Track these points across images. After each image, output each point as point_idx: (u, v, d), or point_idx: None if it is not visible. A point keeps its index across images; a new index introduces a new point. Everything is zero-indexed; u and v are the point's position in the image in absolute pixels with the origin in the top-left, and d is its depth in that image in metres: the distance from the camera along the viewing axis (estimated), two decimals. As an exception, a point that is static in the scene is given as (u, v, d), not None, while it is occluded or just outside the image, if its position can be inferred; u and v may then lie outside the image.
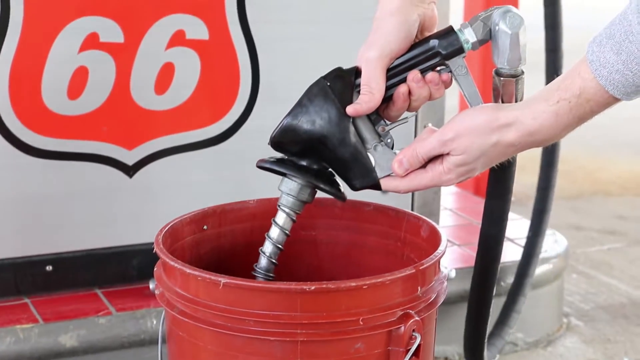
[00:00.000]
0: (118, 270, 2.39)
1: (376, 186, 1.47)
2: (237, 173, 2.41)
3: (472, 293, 1.74)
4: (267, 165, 1.50)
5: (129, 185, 2.34)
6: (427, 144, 1.42)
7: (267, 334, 1.32)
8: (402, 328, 1.36)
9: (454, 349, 2.64)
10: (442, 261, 1.47)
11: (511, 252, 2.78)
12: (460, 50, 1.45)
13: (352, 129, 1.45)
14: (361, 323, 1.33)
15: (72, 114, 2.26)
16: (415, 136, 2.46)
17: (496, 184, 1.62)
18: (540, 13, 2.48)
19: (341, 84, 1.46)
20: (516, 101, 1.45)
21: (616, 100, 1.32)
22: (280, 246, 1.52)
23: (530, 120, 1.37)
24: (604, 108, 1.34)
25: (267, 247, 1.52)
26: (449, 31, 1.45)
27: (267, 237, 1.52)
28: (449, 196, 3.33)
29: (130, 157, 2.33)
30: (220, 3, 2.32)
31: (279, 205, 1.52)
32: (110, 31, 2.25)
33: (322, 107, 1.46)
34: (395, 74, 1.46)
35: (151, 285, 1.49)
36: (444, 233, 1.51)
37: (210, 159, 2.39)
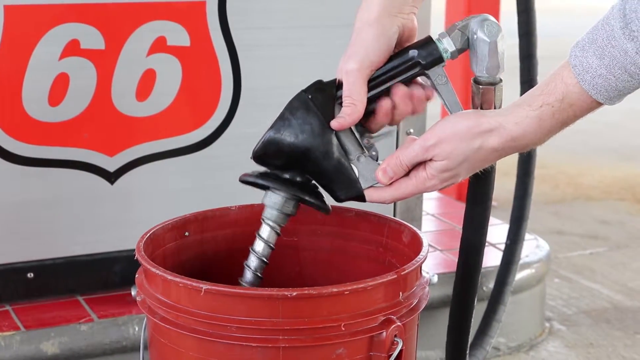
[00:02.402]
0: (100, 277, 2.39)
1: (360, 197, 1.47)
2: (219, 179, 2.41)
3: (453, 301, 1.74)
4: (251, 180, 1.50)
5: (110, 191, 2.34)
6: (410, 151, 1.42)
7: (249, 340, 1.32)
8: (384, 333, 1.36)
9: (437, 354, 2.64)
10: (424, 266, 1.47)
11: (492, 257, 2.79)
12: (439, 60, 1.45)
13: (335, 141, 1.45)
14: (343, 329, 1.33)
15: (53, 121, 2.25)
16: (397, 144, 2.47)
17: (476, 191, 1.62)
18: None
19: (322, 96, 1.46)
20: (495, 108, 1.45)
21: (599, 104, 1.33)
22: (265, 260, 1.52)
23: (513, 126, 1.37)
24: (587, 112, 1.35)
25: (252, 261, 1.52)
26: (428, 41, 1.45)
27: (251, 250, 1.52)
28: (431, 201, 3.34)
29: (111, 163, 2.32)
30: (201, 9, 2.32)
31: (263, 219, 1.51)
32: (91, 38, 2.24)
33: (304, 120, 1.45)
34: (376, 85, 1.46)
35: (133, 292, 1.48)
36: (426, 238, 1.51)
37: (191, 166, 2.39)
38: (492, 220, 3.12)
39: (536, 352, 2.78)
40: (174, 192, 2.39)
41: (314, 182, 1.49)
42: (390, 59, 1.46)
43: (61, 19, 2.21)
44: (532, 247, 2.88)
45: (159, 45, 2.30)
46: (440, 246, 2.85)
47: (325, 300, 1.33)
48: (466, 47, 1.45)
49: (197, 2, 2.32)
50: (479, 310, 2.68)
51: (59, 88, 2.24)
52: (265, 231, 1.51)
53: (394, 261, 1.58)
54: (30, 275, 2.32)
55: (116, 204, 2.35)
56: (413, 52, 1.45)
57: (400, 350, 1.37)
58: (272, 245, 1.52)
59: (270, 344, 1.32)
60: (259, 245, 1.52)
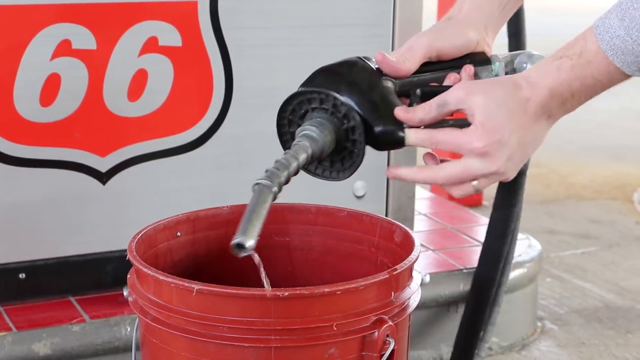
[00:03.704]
0: (92, 278, 2.38)
1: (397, 134, 1.40)
2: (211, 179, 2.41)
3: (467, 308, 1.73)
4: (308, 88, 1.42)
5: (102, 192, 2.34)
6: (441, 96, 1.39)
7: (241, 340, 1.32)
8: (376, 333, 1.36)
9: (429, 354, 2.64)
10: (416, 266, 1.47)
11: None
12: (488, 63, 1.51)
13: (381, 84, 1.43)
14: (335, 328, 1.33)
15: (44, 121, 2.25)
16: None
17: (502, 194, 1.58)
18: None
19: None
20: None
21: (618, 71, 1.30)
22: (289, 177, 1.37)
23: (534, 74, 1.36)
24: (607, 79, 1.32)
25: (281, 168, 1.35)
26: (486, 59, 1.51)
27: (282, 160, 1.36)
28: (423, 201, 3.34)
29: (103, 164, 2.32)
30: (193, 10, 2.32)
31: (298, 141, 1.39)
32: (83, 38, 2.24)
33: (354, 63, 1.45)
34: (429, 70, 1.48)
35: (125, 292, 1.48)
36: (418, 238, 1.51)
37: (183, 166, 2.39)
38: (484, 219, 3.14)
39: (528, 352, 2.78)
40: (165, 192, 2.39)
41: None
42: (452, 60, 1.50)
43: (53, 19, 2.21)
44: (524, 247, 2.88)
45: (151, 46, 2.30)
46: (432, 246, 2.86)
47: (318, 300, 1.33)
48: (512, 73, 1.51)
49: (189, 2, 2.32)
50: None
51: (51, 88, 2.24)
52: (301, 152, 1.37)
53: (386, 261, 1.58)
54: (22, 275, 2.31)
55: (108, 205, 2.35)
56: (468, 60, 1.50)
57: (392, 350, 1.37)
58: (298, 171, 1.38)
59: (262, 344, 1.32)
60: (292, 162, 1.36)
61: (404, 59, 1.46)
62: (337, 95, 1.40)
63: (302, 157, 1.36)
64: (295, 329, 1.32)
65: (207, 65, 2.36)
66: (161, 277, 1.36)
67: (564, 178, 4.62)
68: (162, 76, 2.33)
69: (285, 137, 1.45)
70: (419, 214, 3.14)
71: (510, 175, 1.39)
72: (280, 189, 1.34)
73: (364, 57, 1.47)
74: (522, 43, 2.47)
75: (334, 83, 1.41)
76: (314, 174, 1.46)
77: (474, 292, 1.72)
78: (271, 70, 2.42)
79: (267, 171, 1.34)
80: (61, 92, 2.25)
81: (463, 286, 2.64)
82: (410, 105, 1.44)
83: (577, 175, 4.66)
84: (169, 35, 2.31)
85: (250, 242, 1.28)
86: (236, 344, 1.32)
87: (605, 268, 3.43)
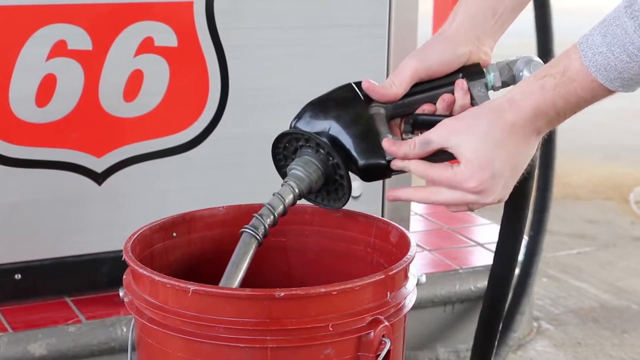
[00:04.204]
0: (88, 278, 2.38)
1: (381, 166, 1.46)
2: (207, 180, 2.41)
3: (485, 301, 1.75)
4: (292, 130, 1.51)
5: (98, 192, 2.33)
6: (425, 134, 1.42)
7: (236, 341, 1.32)
8: (372, 333, 1.36)
9: (425, 354, 2.64)
10: (412, 266, 1.47)
11: (481, 257, 2.80)
12: (482, 77, 1.53)
13: (368, 113, 1.48)
14: (331, 329, 1.33)
15: (40, 122, 2.25)
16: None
17: (513, 198, 1.59)
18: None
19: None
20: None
21: (602, 87, 1.31)
22: (276, 219, 1.50)
23: (519, 95, 1.37)
24: (591, 95, 1.33)
25: (266, 214, 1.49)
26: (479, 71, 1.52)
27: (268, 207, 1.49)
28: (419, 202, 3.33)
29: (99, 164, 2.32)
30: (188, 10, 2.32)
31: (286, 182, 1.50)
32: (79, 38, 2.24)
33: (343, 93, 1.51)
34: (420, 90, 1.50)
35: (121, 293, 1.48)
36: (414, 238, 1.51)
37: (179, 166, 2.38)
38: (481, 220, 3.15)
39: (524, 352, 2.78)
40: (161, 192, 2.39)
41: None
42: (445, 76, 1.51)
43: (48, 19, 2.21)
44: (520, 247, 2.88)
45: (147, 46, 2.30)
46: (428, 246, 2.86)
47: (313, 300, 1.33)
48: (511, 82, 1.52)
49: (185, 3, 2.32)
50: (467, 310, 2.68)
51: (46, 89, 2.24)
52: (287, 193, 1.50)
53: (382, 261, 1.58)
54: (17, 276, 2.31)
55: (104, 205, 2.35)
56: (461, 75, 1.51)
57: (388, 351, 1.37)
58: (286, 210, 1.50)
59: (258, 345, 1.32)
60: (278, 205, 1.49)
61: (391, 84, 1.49)
62: (317, 137, 1.48)
63: (289, 197, 1.49)
64: (291, 330, 1.32)
65: (202, 66, 2.36)
66: (157, 278, 1.36)
67: (560, 178, 4.62)
68: (158, 77, 2.33)
69: (283, 171, 1.55)
70: (414, 214, 3.15)
71: (506, 196, 1.42)
72: (266, 233, 1.48)
73: (357, 83, 1.51)
74: (550, 38, 2.47)
75: (320, 120, 1.49)
76: (315, 202, 1.57)
77: (489, 290, 1.76)
78: (267, 71, 2.42)
79: (254, 217, 1.48)
80: (57, 92, 2.24)
81: (459, 286, 2.64)
82: (402, 132, 1.48)
83: (573, 175, 4.67)
84: (165, 35, 2.31)
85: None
86: (232, 344, 1.32)
87: (601, 268, 3.43)
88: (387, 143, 1.45)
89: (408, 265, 1.44)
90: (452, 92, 1.51)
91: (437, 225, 3.09)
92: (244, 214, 1.57)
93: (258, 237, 1.47)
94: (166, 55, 2.32)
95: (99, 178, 2.33)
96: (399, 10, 2.52)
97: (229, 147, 2.42)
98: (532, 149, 1.40)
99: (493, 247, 2.73)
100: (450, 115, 1.50)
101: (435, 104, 1.51)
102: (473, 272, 2.69)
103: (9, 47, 2.20)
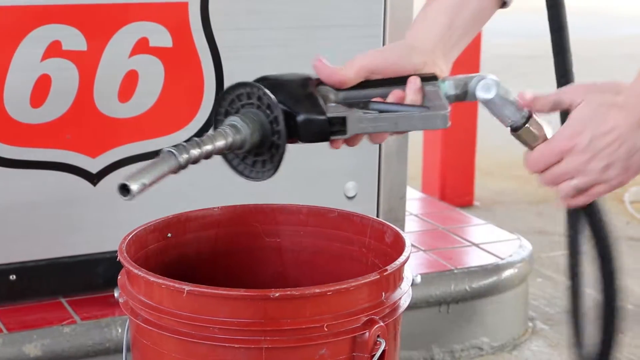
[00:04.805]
0: (83, 279, 2.38)
1: (320, 122, 1.43)
2: (201, 181, 2.40)
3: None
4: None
5: (93, 193, 2.33)
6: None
7: (231, 342, 1.32)
8: (367, 334, 1.36)
9: (420, 354, 2.64)
10: (406, 267, 1.48)
11: (476, 258, 2.80)
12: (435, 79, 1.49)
13: (317, 90, 1.46)
14: (326, 329, 1.33)
15: (35, 122, 2.25)
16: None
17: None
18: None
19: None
20: (540, 141, 1.44)
21: None
22: (201, 155, 1.45)
23: (625, 84, 1.39)
24: None
25: (192, 144, 1.43)
26: (433, 77, 1.49)
27: (195, 139, 1.44)
28: (414, 202, 3.34)
29: (94, 165, 2.32)
30: (183, 11, 2.32)
31: (221, 127, 1.45)
32: (73, 39, 2.24)
33: (299, 74, 1.49)
34: (372, 85, 1.47)
35: (116, 294, 1.48)
36: (409, 239, 1.51)
37: (174, 167, 2.38)
38: (476, 220, 3.15)
39: (519, 352, 2.78)
40: (156, 193, 2.38)
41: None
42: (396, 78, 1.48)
43: (43, 20, 2.21)
44: (515, 247, 2.88)
45: (141, 46, 2.30)
46: (423, 247, 2.86)
47: (308, 300, 1.33)
48: (463, 98, 1.49)
49: (180, 3, 2.32)
50: (462, 310, 2.68)
51: (41, 89, 2.23)
52: (219, 137, 1.44)
53: (377, 261, 1.58)
54: (12, 277, 2.31)
55: (99, 206, 2.35)
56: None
57: (383, 351, 1.37)
58: (213, 152, 1.44)
59: (253, 345, 1.32)
60: (207, 143, 1.44)
61: (341, 68, 1.46)
62: (261, 86, 1.45)
63: (220, 142, 1.42)
64: (286, 330, 1.32)
65: (197, 66, 2.36)
66: (152, 278, 1.36)
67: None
68: (152, 77, 2.33)
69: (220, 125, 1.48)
70: (410, 215, 3.14)
71: (620, 180, 1.42)
72: (186, 163, 1.41)
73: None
74: (566, 38, 2.46)
75: (267, 83, 1.48)
76: (236, 170, 1.49)
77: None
78: (262, 71, 2.40)
79: (177, 144, 1.40)
80: (52, 93, 2.24)
81: (454, 286, 2.64)
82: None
83: (568, 175, 4.66)
84: (160, 36, 2.31)
85: (134, 186, 1.31)
86: (227, 344, 1.32)
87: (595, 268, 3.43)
88: (522, 94, 1.44)
89: (403, 265, 1.45)
90: (404, 90, 1.47)
91: (432, 225, 3.09)
92: (239, 214, 1.57)
93: (178, 157, 1.41)
94: (161, 56, 2.32)
95: (94, 178, 2.33)
96: (394, 10, 2.53)
97: (224, 147, 2.41)
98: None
99: (488, 247, 2.75)
100: None
101: (385, 100, 1.48)
102: (468, 273, 2.69)
103: (4, 48, 2.19)
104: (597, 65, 6.34)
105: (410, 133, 1.64)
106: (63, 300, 2.37)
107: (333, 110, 1.43)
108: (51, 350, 2.21)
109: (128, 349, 1.52)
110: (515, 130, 1.45)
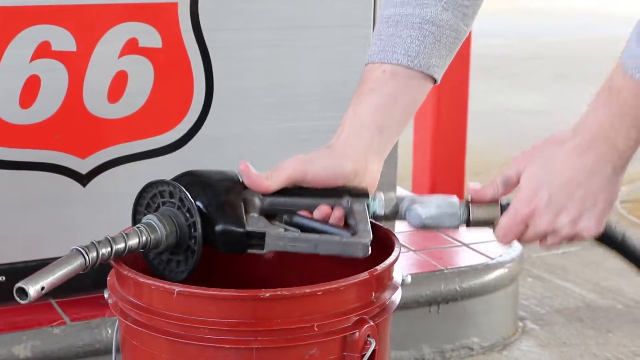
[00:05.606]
0: (72, 280, 2.35)
1: (238, 234, 1.41)
2: (192, 181, 2.40)
3: None
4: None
5: (82, 194, 2.33)
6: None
7: (222, 342, 1.32)
8: (357, 333, 1.36)
9: (410, 354, 2.64)
10: (396, 267, 1.48)
11: (467, 257, 2.80)
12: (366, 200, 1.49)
13: (241, 194, 1.44)
14: (316, 329, 1.33)
15: (24, 123, 2.24)
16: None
17: None
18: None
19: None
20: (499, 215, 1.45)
21: None
22: (111, 254, 1.40)
23: (574, 123, 1.37)
24: None
25: (104, 243, 1.39)
26: (365, 194, 1.48)
27: (108, 237, 1.40)
28: (404, 202, 3.34)
29: (83, 165, 2.32)
30: (173, 11, 2.32)
31: (136, 226, 1.42)
32: (63, 39, 2.23)
33: (225, 174, 1.49)
34: (301, 194, 1.46)
35: (105, 295, 1.48)
36: (398, 239, 1.51)
37: (164, 167, 2.38)
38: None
39: (509, 352, 2.79)
40: (146, 194, 2.38)
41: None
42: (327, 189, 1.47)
43: (32, 20, 2.20)
44: (505, 247, 2.89)
45: (131, 47, 2.30)
46: (413, 247, 2.86)
47: (298, 300, 1.33)
48: (393, 218, 1.53)
49: (169, 4, 2.31)
50: (452, 310, 2.69)
51: (30, 90, 2.23)
52: (133, 235, 1.40)
53: (367, 261, 1.58)
54: (1, 278, 2.30)
55: (88, 206, 2.34)
56: (346, 196, 1.47)
57: (374, 350, 1.37)
58: (125, 251, 1.40)
59: (243, 345, 1.32)
60: (119, 242, 1.39)
61: (267, 176, 1.44)
62: (183, 189, 1.43)
63: (133, 240, 1.39)
64: (276, 330, 1.32)
65: (187, 67, 2.35)
66: (141, 279, 1.36)
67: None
68: (142, 78, 2.32)
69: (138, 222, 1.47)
70: (400, 215, 3.14)
71: (576, 231, 1.43)
72: (94, 262, 1.38)
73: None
74: None
75: (192, 183, 1.46)
76: (150, 264, 1.47)
77: None
78: (252, 72, 2.42)
79: (91, 241, 1.39)
80: (41, 94, 2.24)
81: (444, 286, 2.64)
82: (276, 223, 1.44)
83: (558, 175, 4.67)
84: (149, 36, 2.31)
85: (32, 290, 1.36)
86: (217, 345, 1.32)
87: (586, 268, 3.44)
88: (473, 189, 1.46)
89: (393, 265, 1.45)
90: (332, 206, 1.46)
91: (422, 225, 3.09)
92: (229, 214, 1.56)
93: (85, 256, 1.38)
94: (151, 56, 2.32)
95: (83, 179, 2.32)
96: (383, 10, 2.52)
97: (213, 148, 2.41)
98: (601, 182, 1.38)
99: (478, 247, 2.75)
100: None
101: (312, 212, 1.46)
102: (458, 273, 2.69)
103: (-7, 48, 2.19)
104: (595, 65, 6.35)
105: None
106: (53, 302, 2.36)
107: (254, 223, 1.41)
108: (41, 352, 2.21)
109: (118, 350, 1.52)
110: (468, 226, 1.46)
